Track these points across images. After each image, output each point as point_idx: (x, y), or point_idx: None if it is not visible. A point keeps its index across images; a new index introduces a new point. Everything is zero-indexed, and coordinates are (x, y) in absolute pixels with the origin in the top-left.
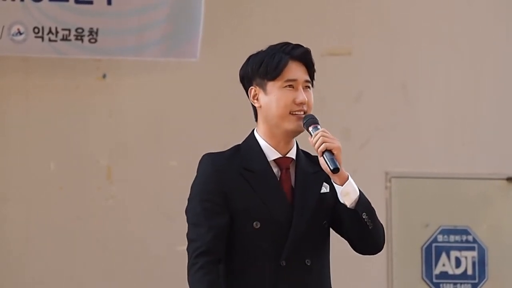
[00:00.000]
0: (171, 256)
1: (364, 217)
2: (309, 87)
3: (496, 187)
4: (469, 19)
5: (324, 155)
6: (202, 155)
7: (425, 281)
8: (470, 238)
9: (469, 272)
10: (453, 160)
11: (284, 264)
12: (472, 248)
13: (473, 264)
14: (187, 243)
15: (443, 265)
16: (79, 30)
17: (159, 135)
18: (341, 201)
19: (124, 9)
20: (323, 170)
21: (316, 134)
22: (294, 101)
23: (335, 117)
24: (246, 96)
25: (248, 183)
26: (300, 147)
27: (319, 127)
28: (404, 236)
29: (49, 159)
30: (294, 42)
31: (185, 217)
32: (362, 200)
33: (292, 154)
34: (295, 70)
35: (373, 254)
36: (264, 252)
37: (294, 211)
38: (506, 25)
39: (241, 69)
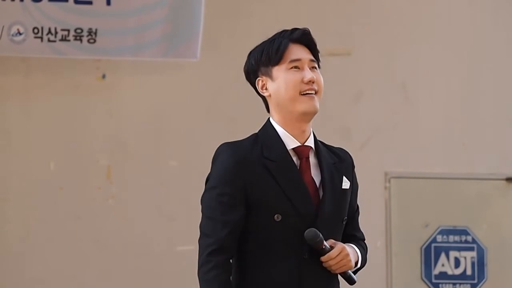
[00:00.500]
0: (171, 256)
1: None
2: (315, 67)
3: (495, 187)
4: (469, 20)
5: (342, 275)
6: (205, 155)
7: (424, 281)
8: (469, 238)
9: (468, 272)
10: (452, 160)
11: (306, 256)
12: (471, 249)
13: (472, 264)
14: (199, 234)
15: (442, 265)
16: (78, 31)
17: (159, 135)
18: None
19: (123, 9)
20: (341, 162)
21: (327, 261)
22: (302, 81)
23: (335, 117)
24: (244, 96)
25: (270, 173)
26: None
27: (324, 247)
28: (403, 236)
29: (49, 159)
30: None
31: (186, 217)
32: (358, 269)
33: (310, 142)
34: (297, 51)
35: None
36: (286, 245)
37: (320, 202)
38: (506, 25)
39: (244, 65)
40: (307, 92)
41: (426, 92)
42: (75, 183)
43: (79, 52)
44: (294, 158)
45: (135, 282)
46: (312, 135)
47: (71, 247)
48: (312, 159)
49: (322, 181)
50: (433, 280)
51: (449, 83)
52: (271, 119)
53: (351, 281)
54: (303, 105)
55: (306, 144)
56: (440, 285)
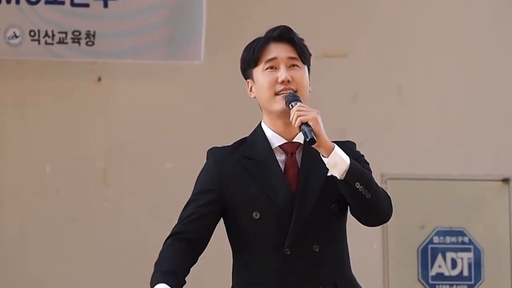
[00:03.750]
0: None
1: (358, 187)
2: (296, 65)
3: (492, 188)
4: (464, 21)
5: (301, 129)
6: (201, 157)
7: (421, 282)
8: (466, 239)
9: (465, 273)
10: (448, 161)
11: (289, 252)
12: (468, 249)
13: (469, 265)
14: None
15: (439, 266)
16: (76, 33)
17: (155, 137)
18: (331, 173)
19: (121, 12)
20: None
21: (292, 111)
22: (277, 81)
23: (331, 118)
24: (240, 99)
25: (248, 172)
26: None
27: (298, 103)
28: (400, 238)
29: (45, 162)
30: None
31: None
32: (353, 170)
33: (299, 138)
34: (274, 50)
35: (379, 225)
36: (266, 242)
37: (296, 197)
38: (501, 26)
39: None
40: (282, 92)
41: (422, 93)
42: (71, 186)
43: (77, 54)
44: (282, 156)
45: (131, 284)
46: None
47: (67, 250)
48: (300, 155)
49: (298, 175)
50: (430, 281)
51: (444, 84)
52: (262, 122)
53: (306, 137)
54: (279, 104)
55: (294, 140)
56: (437, 286)
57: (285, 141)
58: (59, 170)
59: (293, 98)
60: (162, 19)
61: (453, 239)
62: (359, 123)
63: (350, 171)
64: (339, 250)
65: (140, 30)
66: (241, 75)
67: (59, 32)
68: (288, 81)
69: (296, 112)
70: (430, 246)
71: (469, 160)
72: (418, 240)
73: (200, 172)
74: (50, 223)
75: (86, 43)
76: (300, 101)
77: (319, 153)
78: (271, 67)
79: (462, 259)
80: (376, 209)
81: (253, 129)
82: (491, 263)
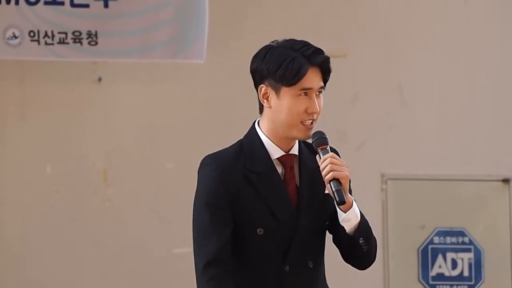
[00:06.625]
0: (168, 259)
1: (360, 241)
2: (321, 92)
3: (492, 188)
4: (464, 21)
5: (330, 184)
6: (202, 157)
7: (421, 282)
8: (466, 239)
9: (465, 273)
10: (449, 161)
11: (288, 269)
12: (468, 250)
13: (470, 265)
14: (193, 255)
15: (439, 266)
16: (77, 33)
17: (155, 138)
18: (341, 224)
19: (124, 11)
20: None
21: (325, 160)
22: (306, 110)
23: (331, 119)
24: (240, 99)
25: (253, 186)
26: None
27: (328, 148)
28: (400, 238)
29: (45, 162)
30: None
31: (182, 220)
32: (362, 226)
33: (295, 150)
34: (312, 79)
35: (362, 269)
36: (267, 258)
37: (299, 214)
38: (501, 26)
39: (253, 62)
40: (307, 122)
41: (422, 94)
42: (72, 186)
43: (80, 54)
44: (279, 168)
45: (132, 285)
46: (297, 141)
47: (67, 250)
48: (297, 167)
49: (299, 191)
50: (430, 282)
51: (445, 84)
52: (257, 125)
53: (335, 196)
54: (300, 133)
55: (290, 152)
56: (437, 287)
57: (283, 153)
58: (59, 170)
59: (322, 141)
60: (169, 18)
61: (454, 239)
62: (359, 123)
63: (360, 227)
64: (322, 264)
65: (145, 29)
66: (241, 74)
67: (59, 33)
68: (316, 113)
69: (330, 165)
70: (430, 246)
71: (469, 160)
72: (418, 240)
73: (204, 182)
74: (50, 223)
75: (89, 43)
76: (327, 144)
77: (315, 165)
78: (304, 93)
79: (462, 259)
80: (366, 259)
81: (247, 132)
82: (492, 264)
